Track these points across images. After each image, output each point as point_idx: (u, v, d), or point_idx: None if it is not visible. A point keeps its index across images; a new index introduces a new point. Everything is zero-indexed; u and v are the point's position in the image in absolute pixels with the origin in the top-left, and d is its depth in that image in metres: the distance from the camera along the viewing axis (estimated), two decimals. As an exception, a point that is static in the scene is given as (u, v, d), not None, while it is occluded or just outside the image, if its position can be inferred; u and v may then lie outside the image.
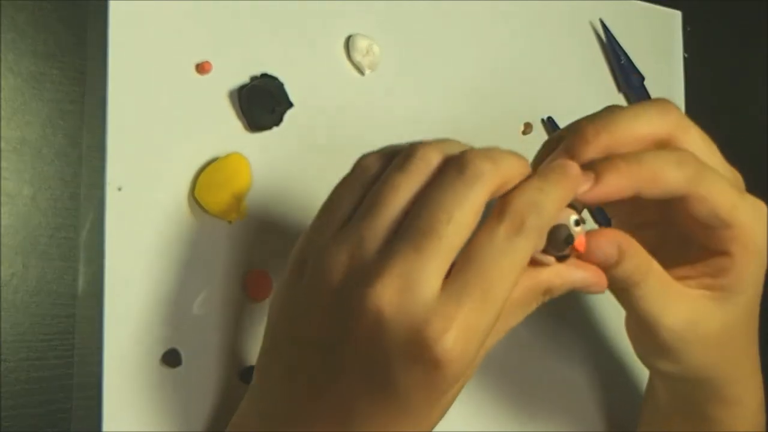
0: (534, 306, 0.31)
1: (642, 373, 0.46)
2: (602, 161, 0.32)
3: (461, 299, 0.27)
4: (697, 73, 0.58)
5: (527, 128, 0.49)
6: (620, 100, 0.54)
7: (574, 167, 0.31)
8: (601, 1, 0.54)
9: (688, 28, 0.58)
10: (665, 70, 0.57)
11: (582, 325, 0.50)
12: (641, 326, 0.35)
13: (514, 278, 0.28)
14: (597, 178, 0.31)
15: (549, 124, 0.50)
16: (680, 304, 0.34)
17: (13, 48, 0.35)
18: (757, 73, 0.63)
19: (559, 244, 0.31)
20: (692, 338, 0.35)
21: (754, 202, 0.34)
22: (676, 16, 0.58)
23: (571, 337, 0.49)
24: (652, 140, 0.33)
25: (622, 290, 0.34)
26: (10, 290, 0.34)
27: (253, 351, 0.39)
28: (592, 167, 0.32)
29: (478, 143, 0.47)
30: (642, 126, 0.33)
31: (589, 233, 0.32)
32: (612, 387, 0.50)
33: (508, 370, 0.46)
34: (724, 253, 0.34)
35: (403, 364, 0.27)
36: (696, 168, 0.32)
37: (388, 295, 0.27)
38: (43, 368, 0.35)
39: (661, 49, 0.57)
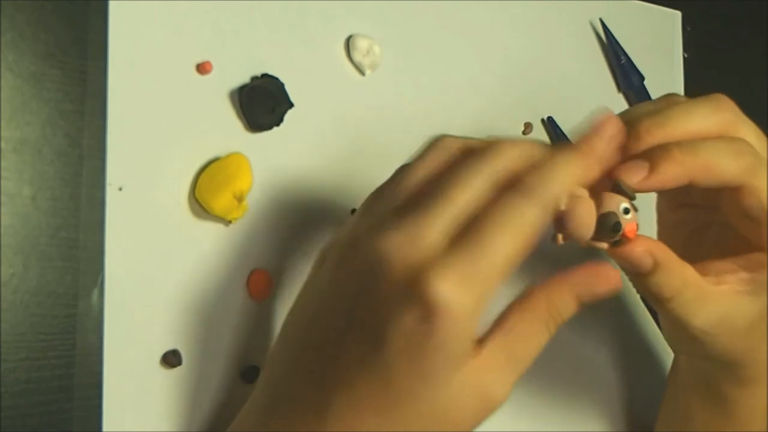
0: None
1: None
2: (657, 150, 0.32)
3: (461, 251, 0.28)
4: (697, 73, 0.58)
5: (527, 128, 0.49)
6: (620, 100, 0.54)
7: (603, 139, 0.31)
8: (601, 1, 0.54)
9: (688, 28, 0.58)
10: (665, 70, 0.57)
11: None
12: (672, 325, 0.36)
13: (516, 242, 0.29)
14: (652, 167, 0.32)
15: (549, 124, 0.50)
16: (711, 307, 0.34)
17: (13, 48, 0.35)
18: (757, 73, 0.63)
19: (606, 231, 0.31)
20: (721, 332, 0.35)
21: None
22: (676, 16, 0.58)
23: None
24: (704, 136, 0.33)
25: (654, 300, 0.35)
26: (10, 290, 0.34)
27: (254, 351, 0.39)
28: (646, 155, 0.32)
29: (478, 143, 0.46)
30: (695, 123, 0.33)
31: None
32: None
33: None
34: (763, 248, 0.34)
35: (398, 309, 0.28)
36: (752, 159, 0.32)
37: (394, 243, 0.28)
38: (43, 368, 0.35)
39: (661, 49, 0.57)
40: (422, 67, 0.46)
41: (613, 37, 0.53)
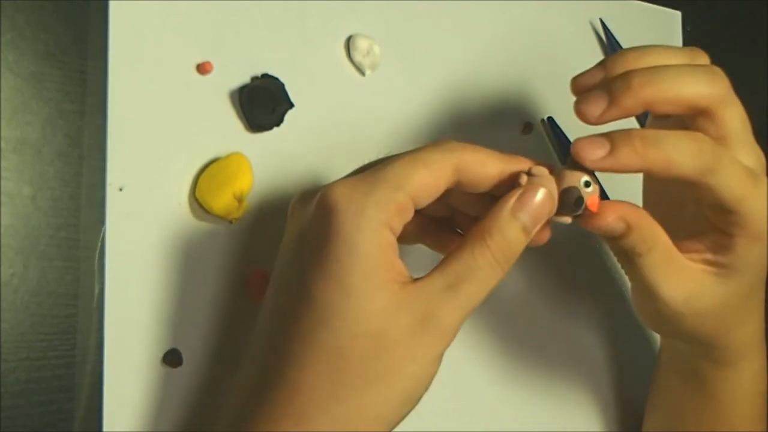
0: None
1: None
2: (621, 134, 0.32)
3: (358, 176, 0.31)
4: (697, 73, 0.58)
5: (527, 128, 0.49)
6: (620, 100, 0.54)
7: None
8: (601, 1, 0.54)
9: (688, 28, 0.58)
10: (665, 70, 0.57)
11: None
12: (642, 295, 0.36)
13: (415, 168, 0.30)
14: (612, 150, 0.32)
15: (549, 124, 0.50)
16: (681, 277, 0.35)
17: (13, 48, 0.35)
18: (757, 73, 0.63)
19: (569, 206, 0.32)
20: (689, 312, 0.35)
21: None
22: (676, 16, 0.58)
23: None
24: (691, 106, 0.34)
25: (625, 259, 0.35)
26: (10, 290, 0.34)
27: (254, 351, 0.39)
28: (609, 136, 0.32)
29: (478, 143, 0.47)
30: (688, 89, 0.33)
31: (600, 204, 0.33)
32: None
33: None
34: (726, 233, 0.35)
35: (305, 224, 0.31)
36: (712, 159, 0.33)
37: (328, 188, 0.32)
38: (43, 368, 0.35)
39: (661, 49, 0.57)
40: (422, 67, 0.46)
41: (613, 37, 0.53)
